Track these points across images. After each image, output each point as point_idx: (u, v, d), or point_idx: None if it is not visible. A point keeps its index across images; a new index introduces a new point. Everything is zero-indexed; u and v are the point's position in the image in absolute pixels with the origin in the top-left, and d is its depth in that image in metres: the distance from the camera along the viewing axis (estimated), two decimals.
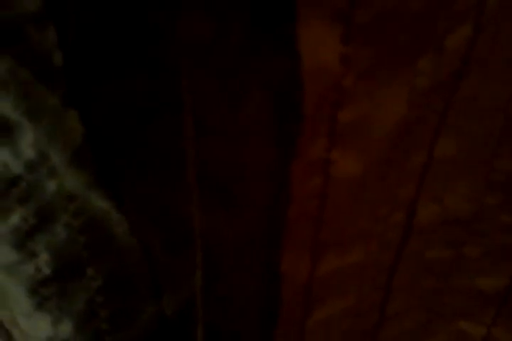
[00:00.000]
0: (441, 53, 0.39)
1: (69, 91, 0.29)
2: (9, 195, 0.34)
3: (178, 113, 0.31)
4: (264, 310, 0.48)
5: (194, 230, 0.36)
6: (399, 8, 0.35)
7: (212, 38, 0.29)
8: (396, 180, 0.47)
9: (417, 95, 0.41)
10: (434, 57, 0.39)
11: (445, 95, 0.42)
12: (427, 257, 0.55)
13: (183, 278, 0.40)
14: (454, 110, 0.44)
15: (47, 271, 0.38)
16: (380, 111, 0.40)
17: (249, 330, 0.48)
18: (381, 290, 0.57)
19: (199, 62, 0.30)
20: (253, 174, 0.37)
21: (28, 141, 0.31)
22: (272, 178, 0.38)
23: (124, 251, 0.37)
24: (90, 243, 0.37)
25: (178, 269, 0.39)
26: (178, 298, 0.41)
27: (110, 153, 0.32)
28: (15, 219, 0.35)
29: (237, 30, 0.30)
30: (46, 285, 0.38)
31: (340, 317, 0.57)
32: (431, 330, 0.61)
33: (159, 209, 0.36)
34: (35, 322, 0.40)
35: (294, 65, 0.32)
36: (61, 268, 0.38)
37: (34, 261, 0.37)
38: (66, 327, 0.40)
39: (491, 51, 0.41)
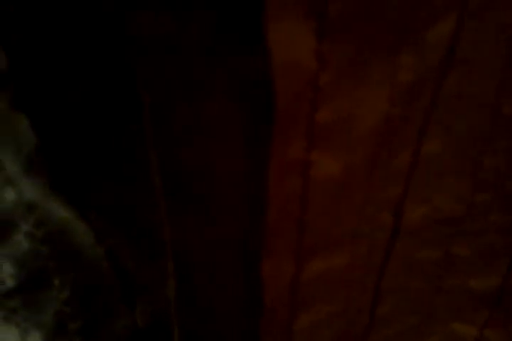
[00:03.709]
0: (424, 47, 0.37)
1: (17, 95, 0.27)
2: None
3: (136, 116, 0.29)
4: (245, 317, 0.46)
5: (164, 239, 0.34)
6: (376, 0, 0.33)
7: (170, 34, 0.27)
8: (381, 179, 0.45)
9: (400, 92, 0.39)
10: (416, 51, 0.37)
11: (430, 91, 0.40)
12: (417, 258, 0.53)
13: (156, 288, 0.38)
14: (440, 106, 0.42)
15: (11, 283, 0.36)
16: (360, 109, 0.38)
17: (231, 337, 0.46)
18: (370, 292, 0.55)
19: (156, 61, 0.28)
20: (223, 179, 0.35)
21: None
22: (244, 182, 0.36)
23: (91, 261, 0.35)
24: (55, 253, 0.35)
25: (149, 279, 0.37)
26: (151, 308, 0.39)
27: (68, 159, 0.30)
28: None
29: (198, 25, 0.28)
30: (11, 297, 0.36)
31: (328, 321, 0.56)
32: (422, 333, 0.60)
33: (125, 217, 0.34)
34: (2, 336, 0.38)
35: (262, 62, 0.30)
36: (26, 280, 0.36)
37: None
38: (36, 340, 0.39)
39: (476, 44, 0.39)
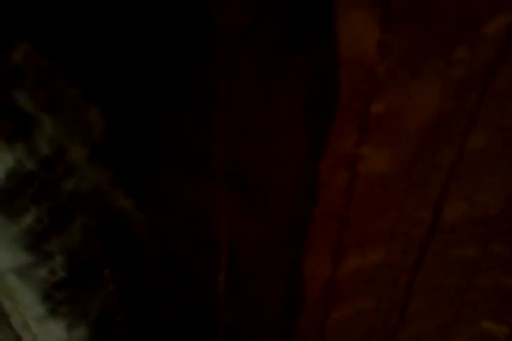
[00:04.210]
0: (479, 42, 0.37)
1: (91, 82, 0.26)
2: (23, 194, 0.31)
3: (210, 107, 0.29)
4: (286, 310, 0.46)
5: (220, 231, 0.34)
6: None
7: (247, 25, 0.27)
8: (424, 175, 0.45)
9: (452, 85, 0.39)
10: (470, 44, 0.37)
11: (480, 85, 0.40)
12: (452, 256, 0.53)
13: (207, 281, 0.37)
14: (488, 101, 0.42)
15: (62, 273, 0.35)
16: (413, 103, 0.38)
17: (270, 331, 0.46)
18: (402, 290, 0.55)
19: (234, 51, 0.27)
20: (283, 170, 0.35)
21: (45, 136, 0.28)
22: (301, 174, 0.36)
23: (144, 253, 0.35)
24: (109, 244, 0.35)
25: (201, 272, 0.37)
26: (199, 300, 0.39)
27: (133, 149, 0.30)
28: (28, 219, 0.33)
29: (273, 18, 0.27)
30: (60, 289, 0.36)
31: (359, 317, 0.55)
32: (453, 331, 0.59)
33: (183, 209, 0.34)
34: (48, 327, 0.38)
35: (331, 54, 0.30)
36: (77, 270, 0.36)
37: (48, 264, 0.35)
38: (81, 332, 0.38)
39: None
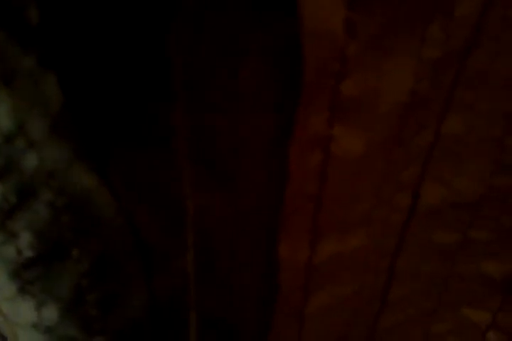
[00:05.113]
0: (452, 20, 0.37)
1: (46, 52, 0.26)
2: None
3: (167, 80, 0.28)
4: (261, 296, 0.46)
5: (186, 209, 0.34)
6: None
7: None
8: (401, 159, 0.45)
9: (425, 66, 0.39)
10: (443, 24, 0.37)
11: (454, 67, 0.40)
12: (432, 241, 0.52)
13: (174, 260, 0.37)
14: (463, 83, 0.41)
15: (29, 253, 0.35)
16: (385, 84, 0.38)
17: (245, 317, 0.46)
18: (383, 276, 0.55)
19: (191, 22, 0.27)
20: (250, 149, 0.35)
21: (3, 110, 0.28)
22: (269, 153, 0.36)
23: (112, 231, 0.35)
24: (75, 223, 0.35)
25: (168, 251, 0.36)
26: (168, 282, 0.38)
27: (94, 123, 0.30)
28: None
29: None
30: (29, 268, 0.36)
31: (339, 304, 0.55)
32: (434, 318, 0.59)
33: (148, 186, 0.33)
34: (18, 307, 0.38)
35: (294, 30, 0.29)
36: (44, 250, 0.35)
37: (15, 243, 0.35)
38: (51, 313, 0.38)
39: (505, 19, 0.38)
